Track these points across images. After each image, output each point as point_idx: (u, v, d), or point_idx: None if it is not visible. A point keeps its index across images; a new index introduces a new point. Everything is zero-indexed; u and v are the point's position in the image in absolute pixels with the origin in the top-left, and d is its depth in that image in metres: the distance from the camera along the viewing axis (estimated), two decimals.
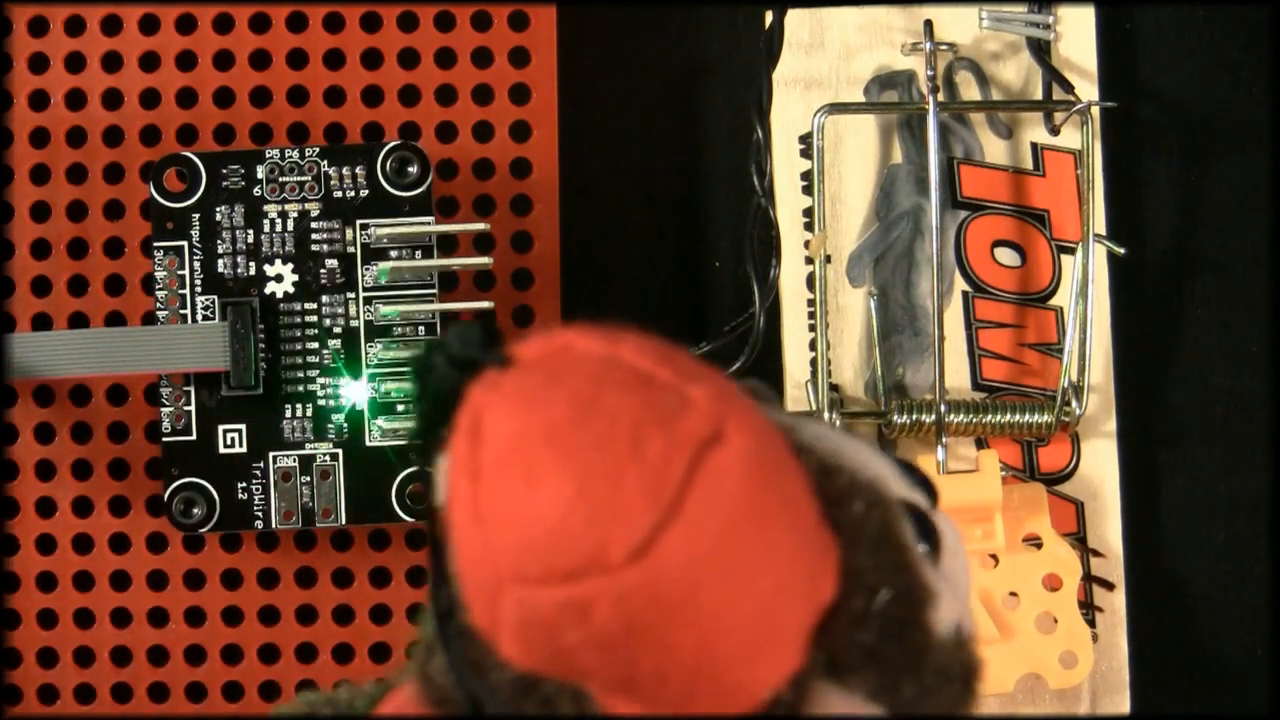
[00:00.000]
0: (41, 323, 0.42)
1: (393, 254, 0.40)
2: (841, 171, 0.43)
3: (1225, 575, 0.45)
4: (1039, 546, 0.42)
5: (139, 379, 0.42)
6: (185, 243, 0.40)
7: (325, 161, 0.40)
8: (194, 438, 0.40)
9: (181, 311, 0.40)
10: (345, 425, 0.40)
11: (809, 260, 0.43)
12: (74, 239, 0.42)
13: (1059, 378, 0.42)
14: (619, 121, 0.44)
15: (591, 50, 0.44)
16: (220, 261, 0.40)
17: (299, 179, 0.40)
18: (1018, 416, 0.42)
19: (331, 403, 0.40)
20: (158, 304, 0.40)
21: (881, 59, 0.43)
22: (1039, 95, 0.43)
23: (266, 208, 0.40)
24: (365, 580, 0.42)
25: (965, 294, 0.43)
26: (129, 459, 0.42)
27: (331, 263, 0.40)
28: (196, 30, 0.42)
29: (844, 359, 0.43)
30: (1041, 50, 0.43)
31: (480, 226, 0.41)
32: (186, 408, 0.40)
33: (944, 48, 0.43)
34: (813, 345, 0.43)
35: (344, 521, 0.40)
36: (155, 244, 0.40)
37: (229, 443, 0.40)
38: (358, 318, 0.40)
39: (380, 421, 0.40)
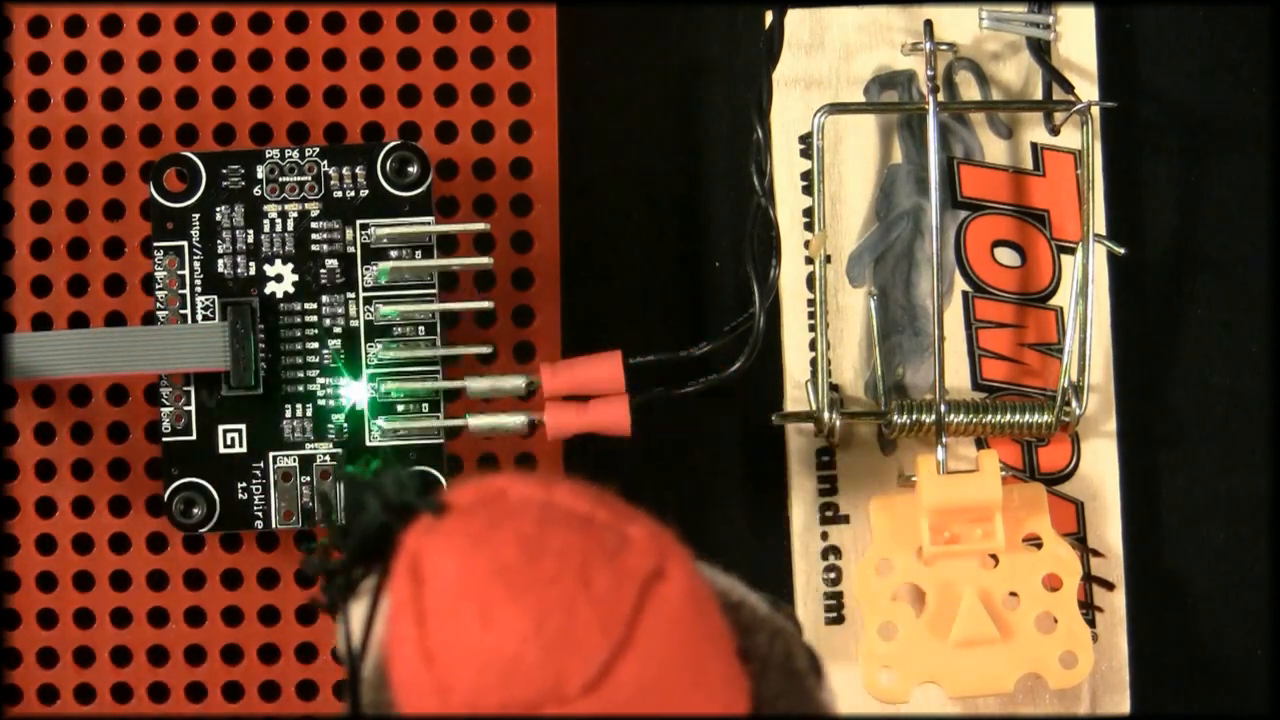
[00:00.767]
0: (41, 323, 0.42)
1: (393, 254, 0.40)
2: (841, 171, 0.43)
3: (1225, 575, 0.45)
4: (1039, 546, 0.42)
5: (139, 379, 0.42)
6: (185, 243, 0.40)
7: (325, 161, 0.40)
8: (194, 438, 0.40)
9: (181, 311, 0.40)
10: (345, 425, 0.40)
11: (809, 260, 0.43)
12: (74, 239, 0.42)
13: (1059, 378, 0.42)
14: (619, 121, 0.44)
15: (591, 50, 0.44)
16: (220, 261, 0.40)
17: (299, 179, 0.40)
18: (1018, 416, 0.42)
19: (331, 403, 0.40)
20: (158, 304, 0.40)
21: (881, 59, 0.43)
22: (1039, 95, 0.43)
23: (266, 208, 0.40)
24: None
25: (965, 294, 0.43)
26: (129, 459, 0.42)
27: (331, 263, 0.40)
28: (196, 30, 0.42)
29: (844, 359, 0.43)
30: (1041, 50, 0.43)
31: (480, 226, 0.41)
32: (186, 408, 0.40)
33: (944, 48, 0.43)
34: (813, 345, 0.43)
35: (344, 522, 0.40)
36: (155, 244, 0.40)
37: (229, 443, 0.40)
38: (358, 318, 0.40)
39: (380, 421, 0.40)
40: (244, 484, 0.40)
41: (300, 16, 0.42)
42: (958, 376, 0.43)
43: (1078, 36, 0.43)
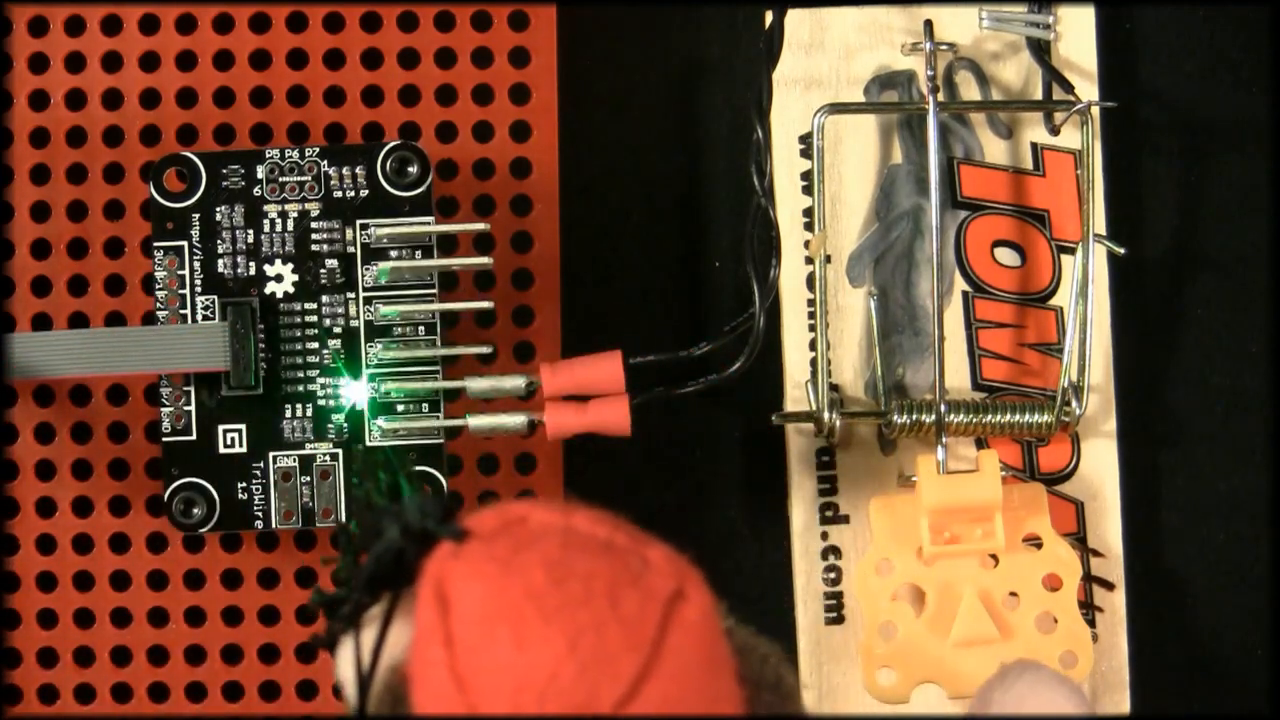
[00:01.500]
0: (41, 323, 0.42)
1: (393, 254, 0.40)
2: (841, 171, 0.43)
3: (1225, 575, 0.45)
4: (1039, 546, 0.42)
5: (139, 379, 0.42)
6: (185, 243, 0.40)
7: (325, 161, 0.40)
8: (194, 438, 0.40)
9: (181, 311, 0.40)
10: (345, 425, 0.40)
11: (809, 260, 0.43)
12: (74, 239, 0.42)
13: (1059, 378, 0.42)
14: (619, 121, 0.44)
15: (591, 50, 0.44)
16: (220, 261, 0.40)
17: (299, 179, 0.40)
18: (1018, 416, 0.42)
19: (331, 403, 0.40)
20: (158, 304, 0.40)
21: (882, 59, 0.43)
22: (1039, 95, 0.43)
23: (266, 208, 0.40)
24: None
25: (965, 294, 0.43)
26: (129, 459, 0.42)
27: (331, 263, 0.40)
28: (196, 30, 0.42)
29: (844, 359, 0.43)
30: (1041, 50, 0.43)
31: (480, 226, 0.41)
32: (186, 408, 0.40)
33: (944, 48, 0.43)
34: (813, 345, 0.43)
35: (344, 521, 0.40)
36: (155, 244, 0.40)
37: (229, 443, 0.40)
38: (358, 318, 0.40)
39: (380, 421, 0.40)
40: (244, 484, 0.40)
41: (300, 16, 0.42)
42: (958, 376, 0.43)
43: (1077, 36, 0.43)
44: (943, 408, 0.42)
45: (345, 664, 0.32)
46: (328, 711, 0.42)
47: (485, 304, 0.40)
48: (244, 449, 0.40)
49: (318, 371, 0.40)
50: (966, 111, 0.43)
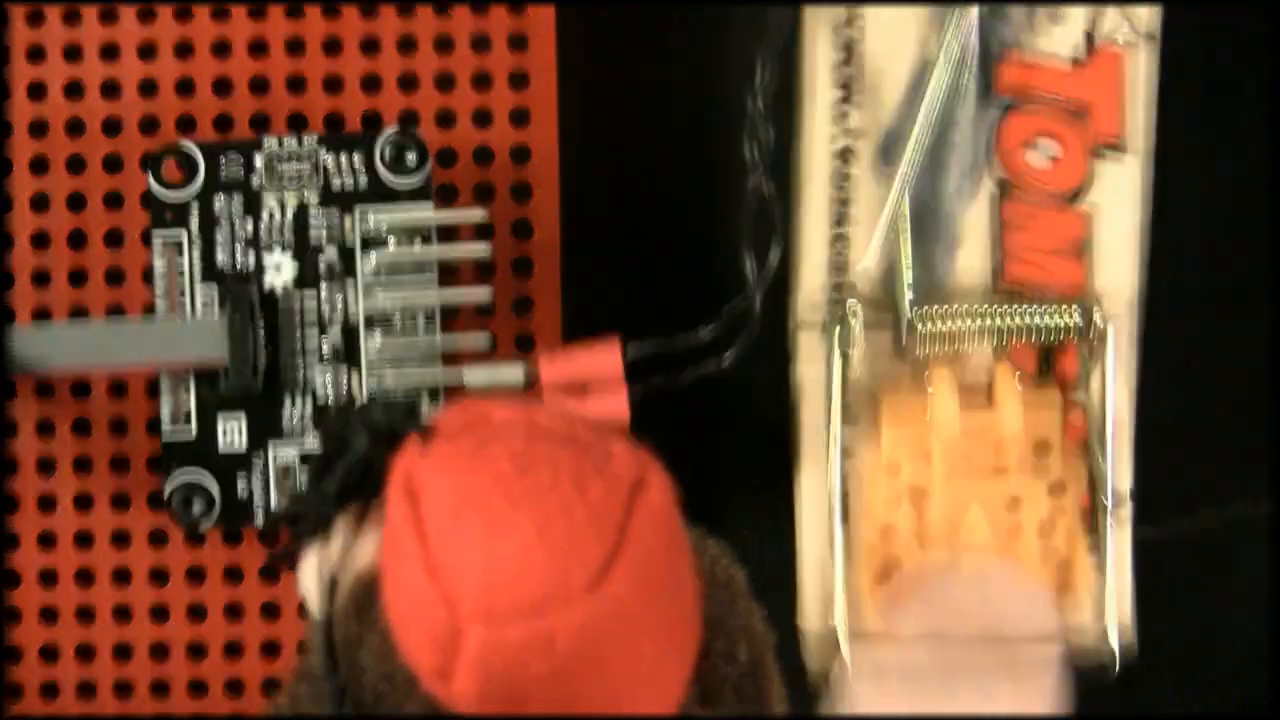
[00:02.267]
0: (42, 314, 0.42)
1: (391, 243, 0.40)
2: (879, 54, 0.41)
3: (1225, 575, 0.45)
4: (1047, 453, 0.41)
5: (139, 373, 0.41)
6: (184, 233, 0.40)
7: (324, 150, 0.40)
8: (194, 433, 0.40)
9: (181, 302, 0.40)
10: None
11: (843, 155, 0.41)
12: (73, 230, 0.42)
13: (1084, 284, 0.41)
14: (620, 107, 0.44)
15: (590, 36, 0.44)
16: (219, 252, 0.40)
17: (297, 168, 0.40)
18: (1043, 319, 0.41)
19: (331, 394, 0.40)
20: (157, 295, 0.40)
21: None
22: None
23: (265, 197, 0.40)
24: None
25: (992, 195, 0.42)
26: (129, 454, 0.42)
27: (330, 252, 0.40)
28: (193, 19, 0.41)
29: (858, 251, 0.41)
30: None
31: (478, 214, 0.40)
32: (186, 403, 0.40)
33: None
34: (836, 240, 0.41)
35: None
36: (154, 234, 0.40)
37: (229, 437, 0.40)
38: (357, 307, 0.40)
39: None
40: (244, 478, 0.40)
41: (297, 4, 0.41)
42: (979, 279, 0.42)
43: None
44: (963, 318, 0.41)
45: (308, 576, 0.32)
46: None
47: (484, 292, 0.40)
48: (244, 444, 0.40)
49: (317, 361, 0.40)
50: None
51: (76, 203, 0.42)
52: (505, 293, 0.42)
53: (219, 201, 0.40)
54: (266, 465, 0.40)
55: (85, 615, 0.42)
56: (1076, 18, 0.42)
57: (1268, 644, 0.45)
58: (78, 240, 0.42)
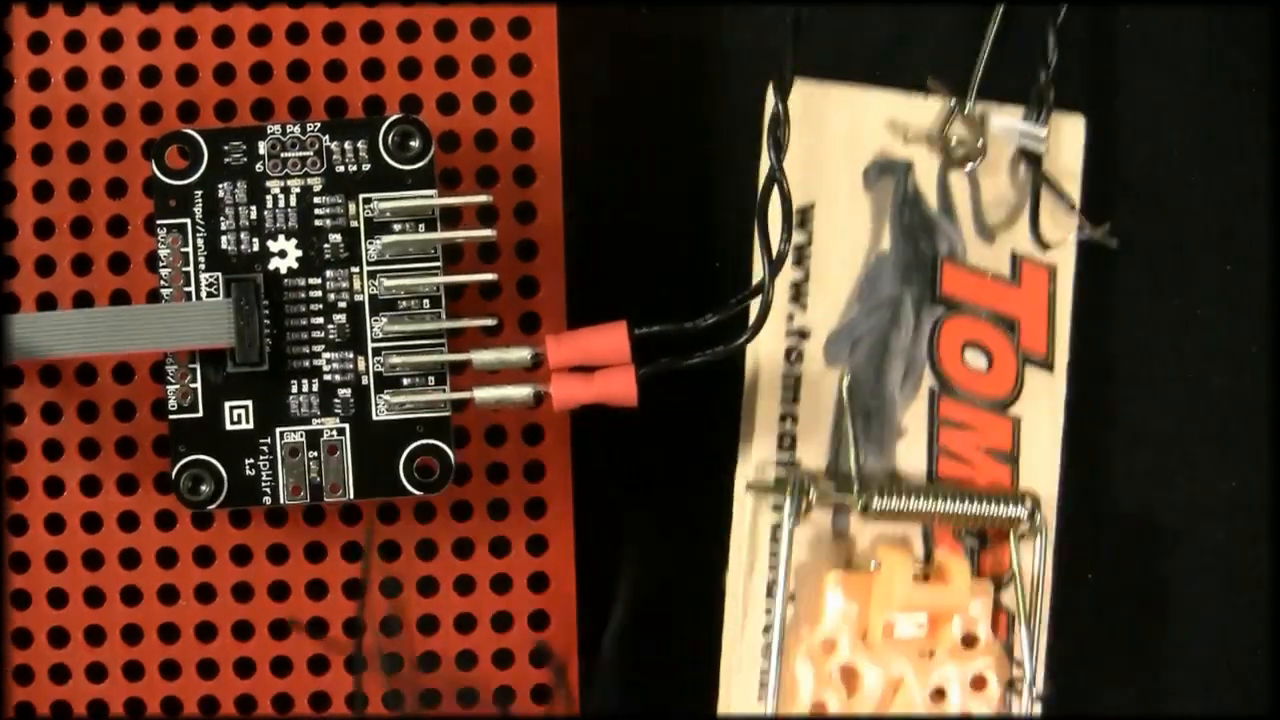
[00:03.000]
0: (46, 302, 0.42)
1: (396, 227, 0.40)
2: (829, 249, 0.43)
3: (1225, 575, 0.45)
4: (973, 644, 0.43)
5: (145, 357, 0.42)
6: (188, 220, 0.40)
7: (327, 136, 0.40)
8: (201, 415, 0.40)
9: (186, 289, 0.40)
10: (351, 400, 0.40)
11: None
12: (77, 218, 0.42)
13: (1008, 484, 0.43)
14: (623, 90, 0.44)
15: (593, 18, 0.44)
16: (224, 238, 0.40)
17: (301, 154, 0.40)
18: (990, 508, 0.42)
19: (337, 378, 0.40)
20: (162, 282, 0.40)
21: (882, 143, 0.43)
22: (1028, 202, 0.43)
23: (269, 183, 0.40)
24: (374, 553, 0.42)
25: (932, 391, 0.43)
26: (136, 437, 0.42)
27: (335, 237, 0.40)
28: (195, 7, 0.42)
29: (810, 439, 0.43)
30: (1034, 161, 0.43)
31: (483, 198, 0.40)
32: (193, 385, 0.40)
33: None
34: (783, 418, 0.43)
35: (352, 496, 0.40)
36: (158, 222, 0.40)
37: (236, 419, 0.40)
38: (362, 292, 0.40)
39: (386, 395, 0.40)
40: (251, 460, 0.40)
41: None
42: (914, 471, 0.43)
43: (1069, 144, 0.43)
44: (921, 499, 0.42)
45: None
46: (338, 688, 0.42)
47: (489, 276, 0.40)
48: (251, 425, 0.40)
49: (323, 346, 0.40)
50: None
51: (80, 191, 0.42)
52: (510, 275, 0.42)
53: (223, 188, 0.40)
54: (274, 446, 0.40)
55: (94, 597, 0.42)
56: (1004, 241, 0.43)
57: (1268, 644, 0.45)
58: (82, 228, 0.42)
